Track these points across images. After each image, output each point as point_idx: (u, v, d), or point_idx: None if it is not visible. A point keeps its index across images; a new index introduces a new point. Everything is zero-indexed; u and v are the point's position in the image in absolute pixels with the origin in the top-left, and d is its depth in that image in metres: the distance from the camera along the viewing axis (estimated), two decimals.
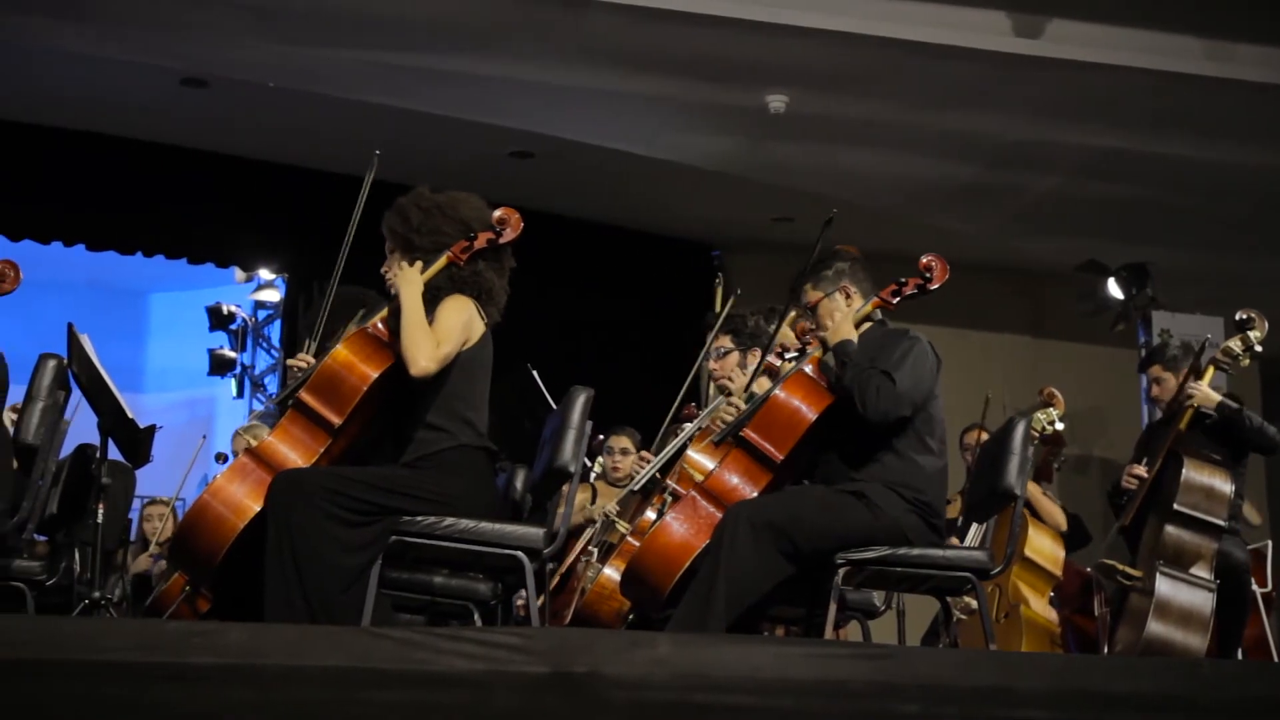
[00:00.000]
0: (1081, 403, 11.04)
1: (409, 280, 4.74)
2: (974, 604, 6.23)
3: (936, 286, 5.01)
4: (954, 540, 6.91)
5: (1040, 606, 7.55)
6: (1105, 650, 6.71)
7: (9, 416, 5.71)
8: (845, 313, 5.00)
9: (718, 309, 7.03)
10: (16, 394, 5.43)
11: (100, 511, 5.96)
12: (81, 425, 6.03)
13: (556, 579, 6.61)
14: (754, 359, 5.85)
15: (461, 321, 4.73)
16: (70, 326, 5.90)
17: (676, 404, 6.71)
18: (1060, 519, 7.86)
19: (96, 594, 6.02)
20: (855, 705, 3.52)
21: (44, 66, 9.15)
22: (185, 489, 9.45)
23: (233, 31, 8.70)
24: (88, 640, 3.31)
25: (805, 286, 5.08)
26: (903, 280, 5.02)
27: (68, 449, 5.80)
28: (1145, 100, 9.24)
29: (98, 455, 5.95)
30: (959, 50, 8.71)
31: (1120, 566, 6.57)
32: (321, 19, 8.56)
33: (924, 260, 5.02)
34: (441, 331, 4.67)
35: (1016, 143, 9.91)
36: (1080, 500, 10.30)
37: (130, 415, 5.94)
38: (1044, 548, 7.57)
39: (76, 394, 5.71)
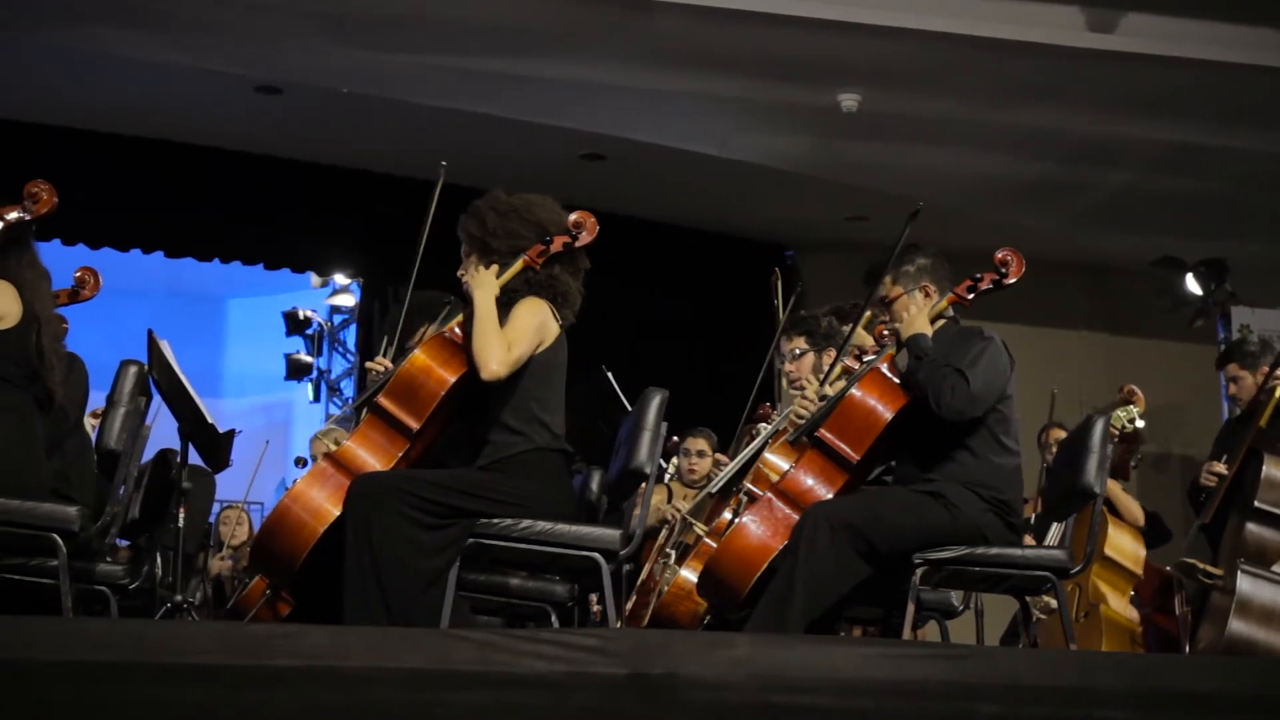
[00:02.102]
0: (1160, 399, 10.94)
1: (483, 283, 4.74)
2: (1053, 603, 6.19)
3: (1013, 281, 4.98)
4: (1031, 539, 6.87)
5: (1120, 605, 7.49)
6: (1187, 650, 6.65)
7: (91, 422, 5.78)
8: (921, 308, 4.98)
9: (780, 311, 7.00)
10: (98, 400, 5.49)
11: (181, 516, 6.01)
12: (162, 430, 6.09)
13: (638, 582, 6.61)
14: (829, 359, 5.84)
15: (535, 324, 4.73)
16: (150, 333, 5.96)
17: (749, 405, 6.70)
18: (1138, 513, 7.79)
19: (178, 597, 6.07)
20: (934, 705, 3.51)
21: (121, 76, 9.27)
22: (261, 493, 9.54)
23: (306, 38, 8.77)
24: (173, 643, 3.35)
25: (885, 280, 5.06)
26: (978, 275, 4.99)
27: (149, 454, 5.85)
28: (1221, 93, 9.15)
29: (178, 460, 6.00)
30: (1032, 46, 8.66)
31: (1201, 565, 6.50)
32: (393, 25, 8.61)
33: (999, 255, 4.98)
34: (514, 334, 4.68)
35: (1090, 138, 9.84)
36: (1160, 498, 10.19)
37: (210, 420, 5.99)
38: (1124, 546, 7.51)
39: (157, 399, 5.76)
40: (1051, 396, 7.79)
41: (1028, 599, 5.25)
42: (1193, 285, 11.46)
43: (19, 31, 8.73)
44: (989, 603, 6.14)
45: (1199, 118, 9.48)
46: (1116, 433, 7.25)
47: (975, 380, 4.74)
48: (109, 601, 5.22)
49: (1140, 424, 7.45)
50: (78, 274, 5.34)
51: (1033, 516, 6.75)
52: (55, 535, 4.58)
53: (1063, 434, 7.19)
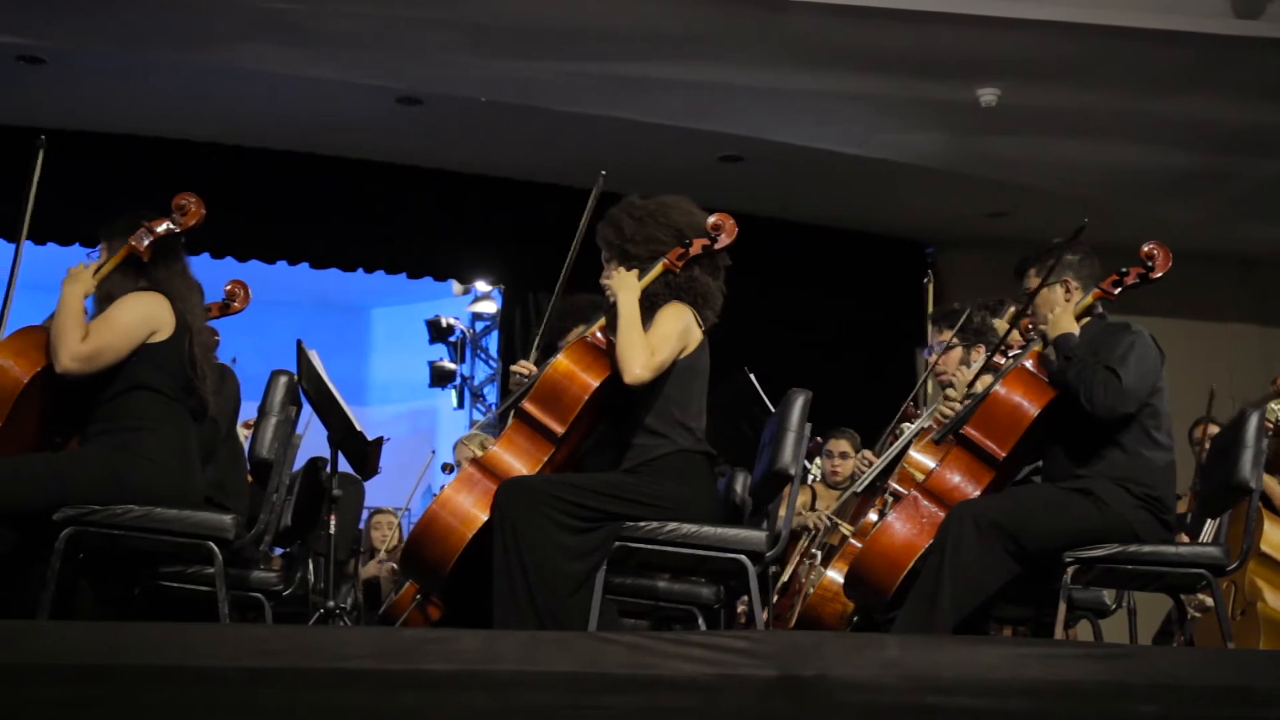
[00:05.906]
0: None
1: (626, 286, 4.76)
2: (1209, 601, 6.08)
3: (1159, 275, 4.92)
4: (1183, 537, 6.75)
5: (1278, 602, 7.33)
6: None
7: (243, 432, 5.89)
8: (1065, 305, 4.93)
9: (930, 309, 6.96)
10: (249, 410, 5.59)
11: (332, 523, 6.09)
12: (312, 439, 6.17)
13: (779, 583, 6.60)
14: (978, 355, 5.79)
15: (678, 330, 4.73)
16: (299, 343, 6.05)
17: (905, 405, 6.64)
18: None
19: (331, 603, 6.15)
20: (1091, 706, 3.47)
21: (266, 91, 9.42)
22: (410, 498, 9.63)
23: (446, 49, 8.86)
24: (328, 648, 3.40)
25: (1029, 272, 5.01)
26: (1124, 270, 4.94)
27: (299, 462, 5.95)
28: None
29: (328, 468, 6.08)
30: (1176, 35, 8.51)
31: None
32: (530, 33, 8.67)
33: (1145, 249, 4.93)
34: (657, 339, 4.69)
35: (1239, 126, 9.64)
36: None
37: (359, 428, 6.07)
38: None
39: (307, 408, 5.84)
40: (1210, 393, 7.65)
41: (1182, 597, 5.16)
42: None
43: (168, 50, 8.92)
44: (1141, 601, 6.05)
45: None
46: (1271, 426, 7.11)
47: (1127, 376, 4.69)
48: (264, 608, 5.31)
49: None
50: (228, 287, 5.44)
51: (1188, 515, 6.64)
52: (211, 543, 4.66)
53: (1215, 429, 7.06)
